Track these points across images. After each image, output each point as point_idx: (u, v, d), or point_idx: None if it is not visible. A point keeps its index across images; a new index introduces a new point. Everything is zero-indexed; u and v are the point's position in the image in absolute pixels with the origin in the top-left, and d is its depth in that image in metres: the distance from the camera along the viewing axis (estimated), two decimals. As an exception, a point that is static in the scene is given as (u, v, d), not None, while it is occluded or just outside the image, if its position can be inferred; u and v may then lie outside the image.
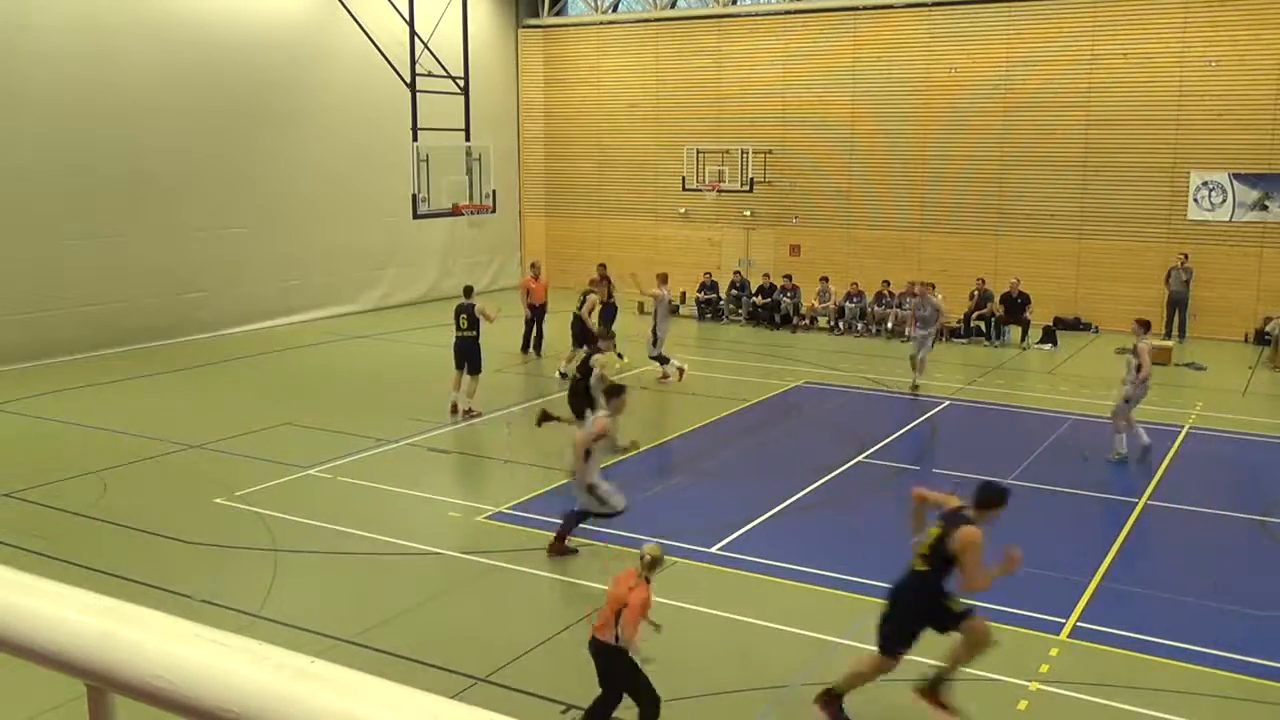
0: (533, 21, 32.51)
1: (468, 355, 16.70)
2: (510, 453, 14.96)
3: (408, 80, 21.61)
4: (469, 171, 22.54)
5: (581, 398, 14.32)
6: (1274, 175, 24.18)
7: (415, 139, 21.10)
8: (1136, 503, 13.07)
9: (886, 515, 12.74)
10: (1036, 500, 13.49)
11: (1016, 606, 9.91)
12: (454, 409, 16.67)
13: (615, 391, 11.16)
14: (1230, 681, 8.60)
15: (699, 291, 28.21)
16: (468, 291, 17.55)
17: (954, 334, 24.89)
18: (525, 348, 22.04)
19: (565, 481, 13.44)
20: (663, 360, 19.37)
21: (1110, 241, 25.74)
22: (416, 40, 21.93)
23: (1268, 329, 23.25)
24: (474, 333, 16.73)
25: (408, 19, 21.90)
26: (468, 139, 22.64)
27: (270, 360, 21.59)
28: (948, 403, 18.18)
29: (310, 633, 9.20)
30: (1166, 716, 8.07)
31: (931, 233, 27.51)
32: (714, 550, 11.30)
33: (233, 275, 24.32)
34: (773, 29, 29.08)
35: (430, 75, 22.13)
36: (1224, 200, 24.77)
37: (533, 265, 23.79)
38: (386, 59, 22.17)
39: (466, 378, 16.66)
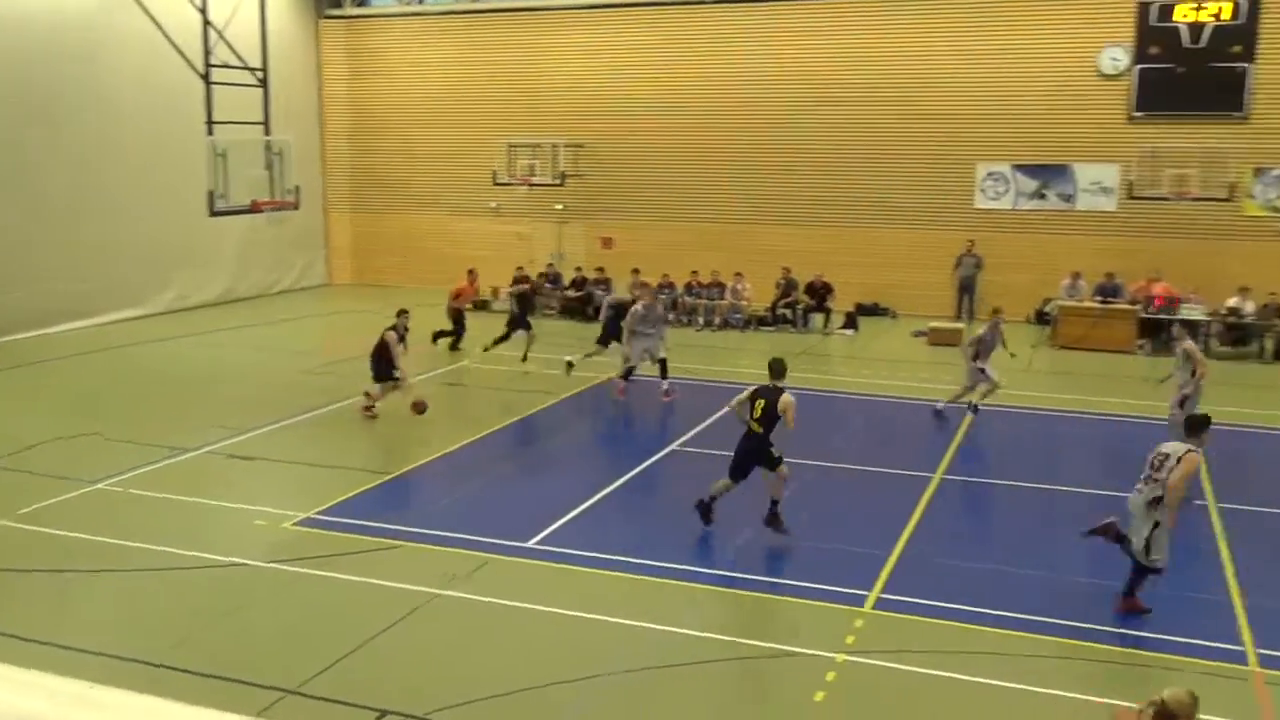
0: (335, 12, 31.61)
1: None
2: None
3: (201, 71, 20.65)
4: (269, 166, 21.72)
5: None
6: (1051, 166, 25.86)
7: (210, 133, 20.19)
8: (932, 477, 13.75)
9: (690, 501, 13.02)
10: (840, 479, 14.03)
11: (820, 582, 10.29)
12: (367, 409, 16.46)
13: None
14: (1030, 642, 9.13)
15: (511, 286, 27.99)
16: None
17: (762, 322, 25.63)
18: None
19: (377, 483, 13.21)
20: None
21: (906, 231, 26.97)
22: (210, 29, 20.97)
23: (1047, 309, 24.85)
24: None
25: (200, 6, 20.91)
26: (267, 133, 21.81)
27: (57, 367, 20.29)
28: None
29: (101, 656, 8.69)
30: (971, 679, 8.53)
31: (739, 223, 28.19)
32: (531, 544, 11.27)
33: (17, 276, 22.68)
34: (582, 21, 29.17)
35: (226, 66, 21.21)
36: (1007, 190, 26.34)
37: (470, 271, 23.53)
38: (176, 48, 21.10)
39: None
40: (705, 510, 11.59)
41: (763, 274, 26.11)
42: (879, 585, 10.28)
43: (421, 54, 30.86)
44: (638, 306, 18.03)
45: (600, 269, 27.62)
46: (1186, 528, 12.11)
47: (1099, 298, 23.95)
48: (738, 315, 25.90)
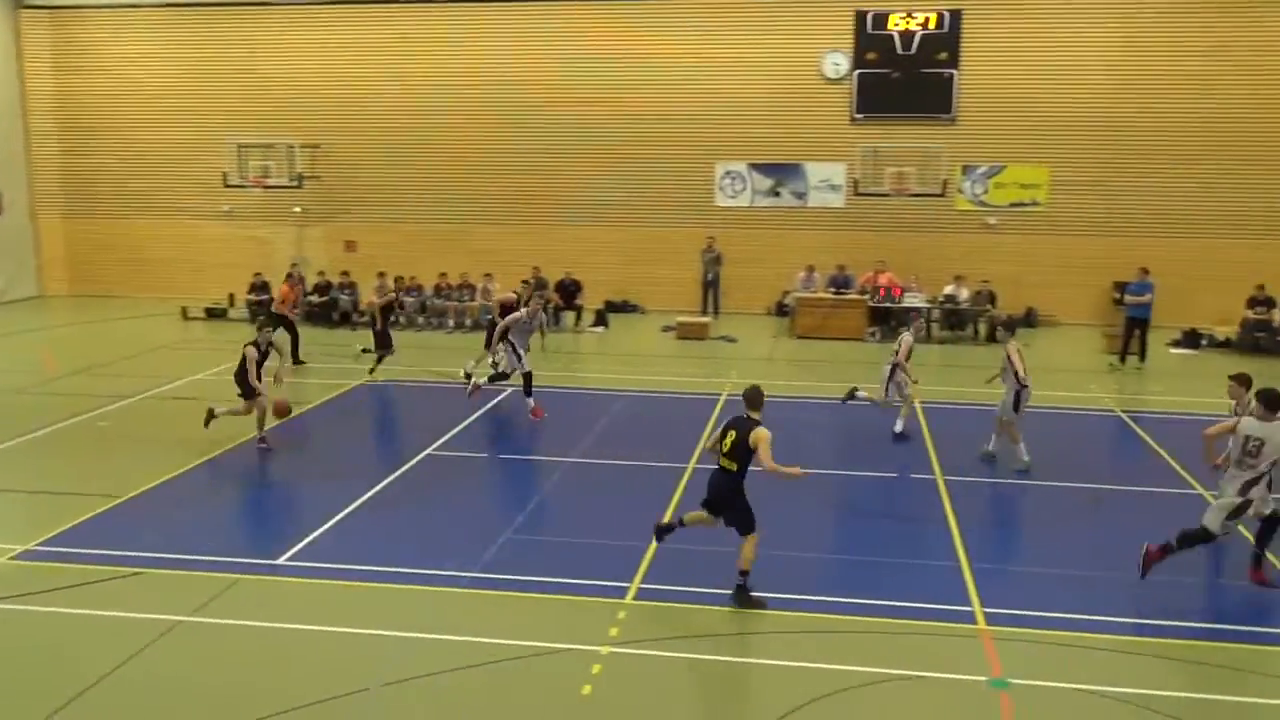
0: (36, 2, 29.13)
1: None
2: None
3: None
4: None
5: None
6: (784, 165, 27.11)
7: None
8: (686, 467, 14.10)
9: (459, 504, 12.84)
10: (596, 474, 14.17)
11: (582, 577, 10.35)
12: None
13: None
14: (781, 619, 9.51)
15: (249, 293, 26.78)
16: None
17: (514, 322, 25.56)
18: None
19: (109, 507, 12.27)
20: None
21: (651, 229, 27.59)
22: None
23: (786, 302, 26.05)
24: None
25: None
26: (-39, 132, 19.86)
27: None
28: (511, 390, 18.58)
29: None
30: (730, 659, 8.80)
31: (486, 224, 28.03)
32: (281, 561, 10.77)
33: None
34: (311, 18, 28.15)
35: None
36: (744, 188, 27.41)
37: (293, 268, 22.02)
38: None
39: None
40: (662, 532, 10.38)
41: (513, 274, 26.05)
42: (639, 576, 10.44)
43: (136, 48, 28.94)
44: (523, 313, 17.22)
45: (345, 273, 26.79)
46: (917, 499, 12.99)
47: (832, 289, 25.32)
48: (488, 316, 25.68)
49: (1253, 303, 23.68)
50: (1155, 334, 22.30)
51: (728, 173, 27.44)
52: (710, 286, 27.13)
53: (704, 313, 26.54)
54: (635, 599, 9.96)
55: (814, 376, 20.16)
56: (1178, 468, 14.34)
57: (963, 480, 13.66)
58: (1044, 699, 8.28)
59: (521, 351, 16.84)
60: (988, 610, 9.75)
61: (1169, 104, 25.31)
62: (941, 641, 9.19)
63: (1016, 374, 14.00)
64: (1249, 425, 10.05)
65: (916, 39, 26.15)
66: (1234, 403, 11.32)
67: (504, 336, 16.77)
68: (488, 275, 26.06)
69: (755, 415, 9.80)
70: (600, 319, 25.85)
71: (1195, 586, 10.50)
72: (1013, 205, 26.46)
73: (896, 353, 15.87)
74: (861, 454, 15.26)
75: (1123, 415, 17.30)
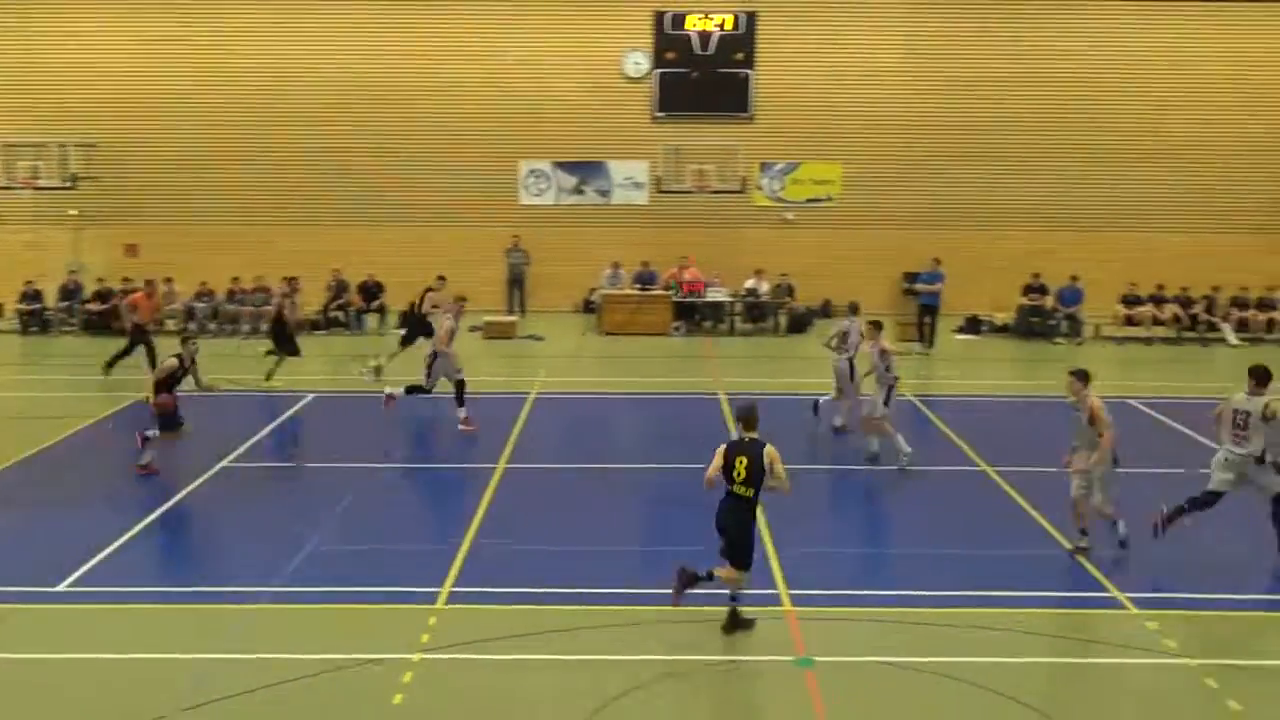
0: None
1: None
2: None
3: None
4: None
5: None
6: (588, 163, 27.24)
7: None
8: (495, 467, 13.96)
9: (260, 517, 12.31)
10: (403, 479, 13.87)
11: (390, 584, 10.10)
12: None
13: None
14: (591, 614, 9.51)
15: (20, 302, 24.99)
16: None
17: (314, 326, 24.76)
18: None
19: None
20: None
21: (455, 229, 27.21)
22: None
23: (593, 299, 26.17)
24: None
25: None
26: None
27: None
28: (311, 396, 17.99)
29: None
30: (541, 657, 8.74)
31: (284, 226, 27.02)
32: (61, 589, 10.05)
33: None
34: (89, 9, 26.52)
35: None
36: (549, 186, 27.38)
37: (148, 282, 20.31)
38: None
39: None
40: (687, 581, 9.24)
41: (314, 276, 25.20)
42: (450, 580, 10.26)
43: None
44: (452, 322, 16.46)
45: (127, 279, 25.27)
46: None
47: (638, 285, 25.58)
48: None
49: (1028, 290, 25.26)
50: (942, 321, 23.52)
51: (532, 171, 27.35)
52: (516, 285, 26.99)
53: (510, 312, 26.39)
54: (447, 604, 9.77)
55: (622, 372, 20.33)
56: (965, 447, 15.12)
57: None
58: (846, 673, 8.58)
59: (442, 364, 16.00)
60: (793, 592, 10.03)
61: (953, 103, 26.71)
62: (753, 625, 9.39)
63: (890, 367, 14.20)
64: (1239, 400, 10.74)
65: (714, 39, 26.72)
66: (1073, 398, 10.89)
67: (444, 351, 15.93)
68: (288, 279, 25.08)
69: (755, 435, 9.31)
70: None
71: (985, 560, 11.09)
72: (809, 201, 27.39)
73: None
74: (671, 447, 15.47)
75: (914, 399, 18.13)
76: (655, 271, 25.96)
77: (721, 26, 26.70)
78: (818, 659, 8.74)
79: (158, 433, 13.48)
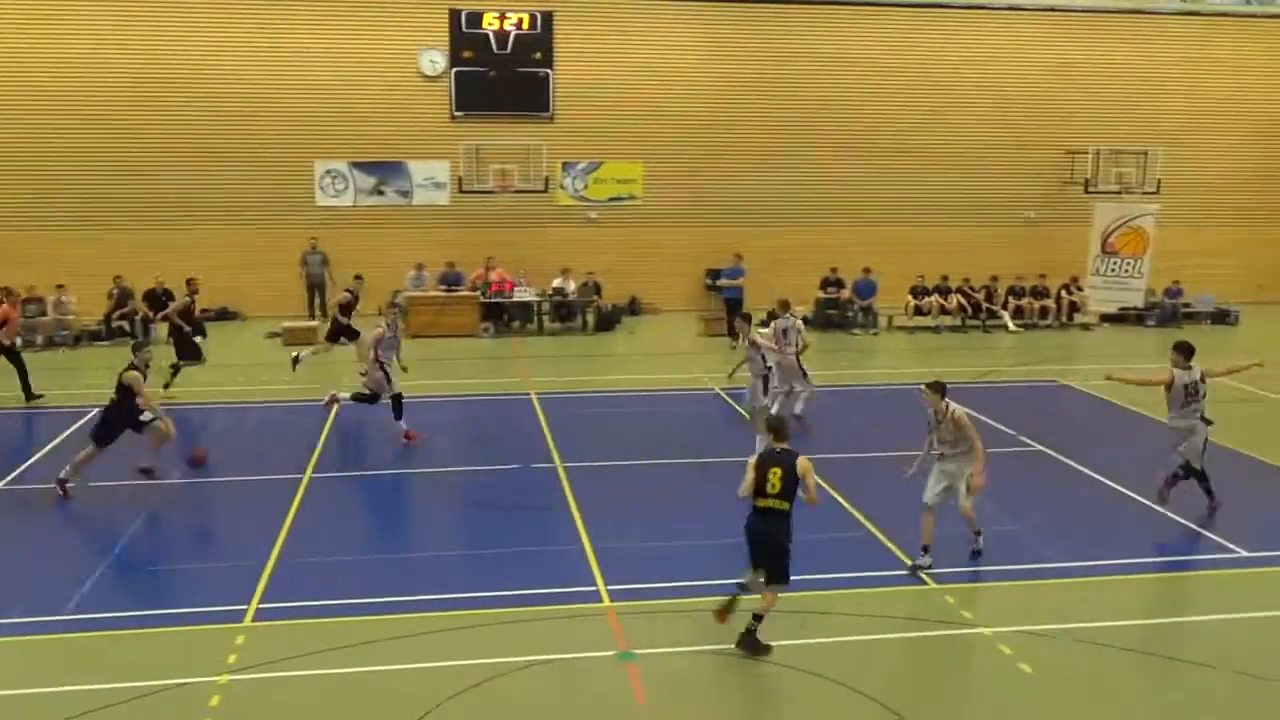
0: None
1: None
2: None
3: None
4: None
5: None
6: (387, 163, 26.64)
7: None
8: (302, 478, 13.48)
9: (42, 542, 11.50)
10: (205, 493, 13.23)
11: (194, 605, 9.62)
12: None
13: None
14: (426, 620, 9.31)
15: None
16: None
17: (95, 337, 23.35)
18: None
19: None
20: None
21: (249, 231, 26.13)
22: None
23: (397, 301, 25.59)
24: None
25: None
26: None
27: None
28: (96, 411, 16.90)
29: None
30: (360, 669, 8.48)
31: (55, 230, 25.28)
32: None
33: None
34: None
35: None
36: (346, 187, 26.64)
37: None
38: None
39: None
40: (727, 611, 8.98)
41: (91, 286, 23.76)
42: (257, 596, 9.84)
43: None
44: (385, 331, 15.50)
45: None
46: (539, 488, 13.19)
47: (443, 287, 25.20)
48: (65, 332, 23.28)
49: (825, 284, 26.25)
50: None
51: (328, 171, 26.54)
52: (316, 289, 26.14)
53: (311, 317, 25.54)
54: (254, 621, 9.37)
55: (430, 375, 19.95)
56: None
57: (581, 466, 14.05)
58: (668, 664, 8.69)
59: (390, 371, 15.39)
60: (611, 588, 10.09)
61: (749, 102, 27.43)
62: (570, 624, 9.40)
63: (764, 358, 14.48)
64: (1182, 376, 12.19)
65: (511, 39, 26.59)
66: (931, 410, 10.70)
67: (376, 355, 15.33)
68: (60, 286, 23.54)
69: (787, 445, 9.05)
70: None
71: (798, 545, 11.42)
72: (611, 200, 27.63)
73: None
74: (481, 449, 15.31)
75: (720, 393, 18.55)
76: (461, 272, 25.64)
77: (519, 25, 26.59)
78: (639, 652, 8.82)
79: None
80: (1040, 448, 15.20)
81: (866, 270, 26.10)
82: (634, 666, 8.61)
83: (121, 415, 12.94)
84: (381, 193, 26.82)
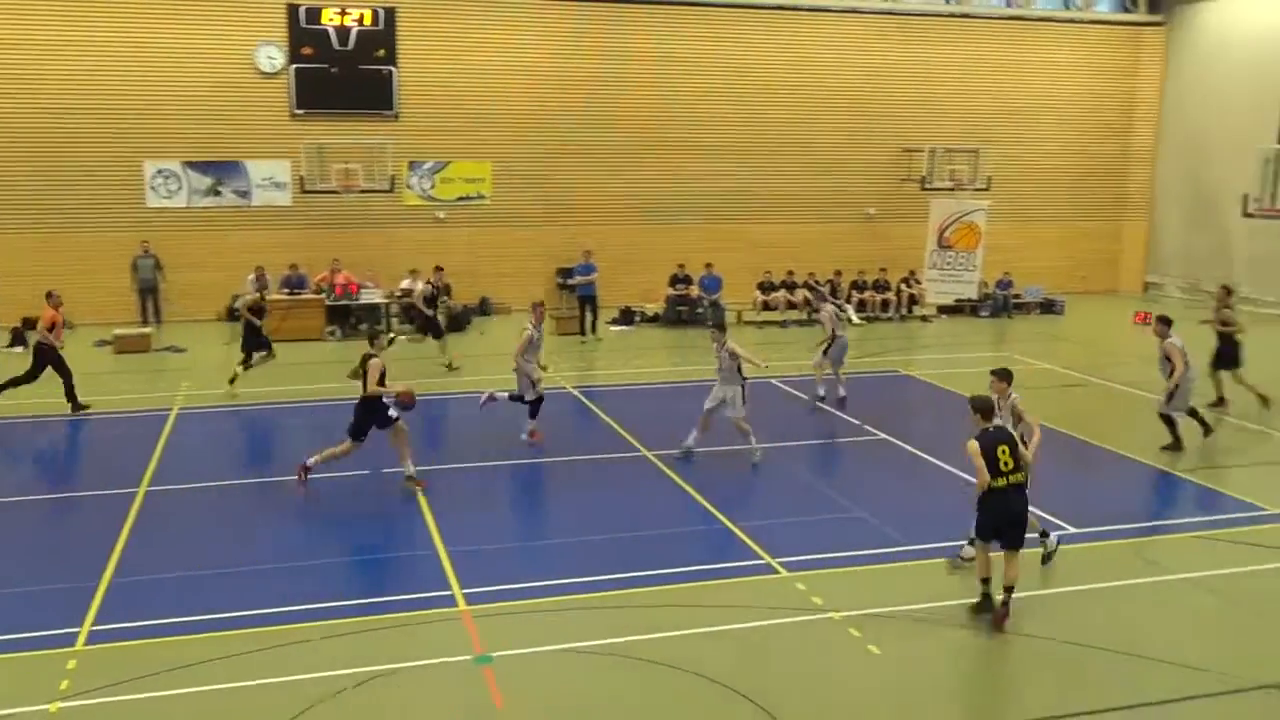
0: None
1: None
2: None
3: None
4: None
5: None
6: (224, 163, 25.68)
7: None
8: (136, 491, 12.87)
9: None
10: (30, 511, 12.52)
11: (19, 631, 9.07)
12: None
13: None
14: (270, 634, 8.99)
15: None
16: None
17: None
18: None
19: None
20: None
21: (75, 235, 24.84)
22: None
23: (236, 306, 24.71)
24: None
25: None
26: None
27: None
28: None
29: None
30: (206, 688, 8.14)
31: None
32: None
33: None
34: None
35: None
36: (180, 188, 25.57)
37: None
38: None
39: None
40: (983, 607, 9.54)
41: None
42: (90, 618, 9.34)
43: None
44: (533, 332, 15.02)
45: None
46: (389, 494, 12.93)
47: (286, 290, 24.44)
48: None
49: (674, 280, 26.53)
50: (599, 313, 24.22)
51: (160, 171, 25.42)
52: (148, 294, 25.02)
53: (144, 323, 24.44)
54: (87, 644, 8.90)
55: (274, 381, 19.33)
56: (625, 434, 15.64)
57: (434, 469, 13.81)
58: (526, 665, 8.62)
59: (531, 373, 14.96)
60: (466, 591, 9.96)
61: (592, 101, 27.44)
62: (425, 629, 9.24)
63: (739, 369, 13.97)
64: (1173, 345, 14.40)
65: (353, 35, 25.96)
66: (997, 396, 10.49)
67: (524, 357, 14.92)
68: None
69: (996, 421, 9.46)
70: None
71: (651, 540, 11.51)
72: (460, 199, 27.29)
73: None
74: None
75: (574, 391, 18.53)
76: (305, 275, 24.90)
77: (360, 21, 25.98)
78: (495, 654, 8.73)
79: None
80: (885, 436, 15.70)
81: (709, 266, 26.49)
82: (490, 669, 8.51)
83: (367, 411, 12.87)
84: (218, 193, 25.84)
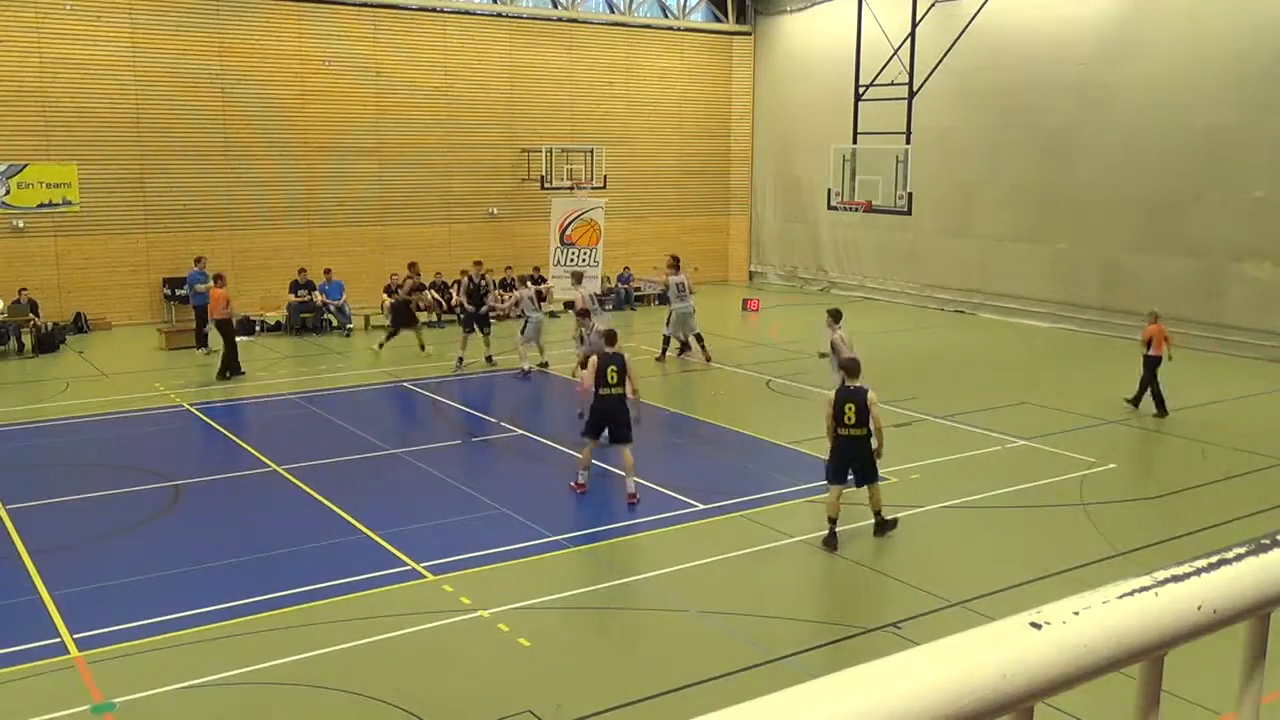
0: None
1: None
2: None
3: None
4: None
5: None
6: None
7: None
8: None
9: None
10: None
11: None
12: None
13: None
14: None
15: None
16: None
17: None
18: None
19: None
20: None
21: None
22: None
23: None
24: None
25: None
26: None
27: None
28: None
29: None
30: None
31: None
32: None
33: None
34: None
35: None
36: None
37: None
38: None
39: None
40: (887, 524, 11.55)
41: None
42: None
43: None
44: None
45: None
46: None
47: None
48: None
49: (295, 286, 25.38)
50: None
51: None
52: None
53: None
54: None
55: None
56: (252, 450, 14.79)
57: (26, 507, 12.38)
58: (154, 708, 7.93)
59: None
60: (78, 636, 9.00)
61: (190, 101, 25.53)
62: (33, 683, 8.26)
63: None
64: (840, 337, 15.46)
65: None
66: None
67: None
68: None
69: (857, 383, 10.98)
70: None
71: (289, 557, 10.96)
72: (42, 206, 24.59)
73: None
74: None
75: (190, 408, 17.30)
76: None
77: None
78: (118, 700, 7.96)
79: None
80: (522, 431, 15.90)
81: (328, 272, 25.60)
82: (113, 718, 7.75)
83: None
84: None
